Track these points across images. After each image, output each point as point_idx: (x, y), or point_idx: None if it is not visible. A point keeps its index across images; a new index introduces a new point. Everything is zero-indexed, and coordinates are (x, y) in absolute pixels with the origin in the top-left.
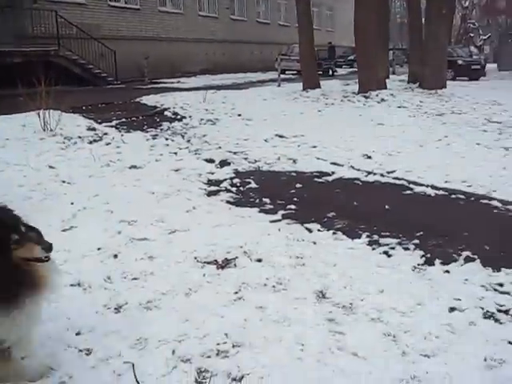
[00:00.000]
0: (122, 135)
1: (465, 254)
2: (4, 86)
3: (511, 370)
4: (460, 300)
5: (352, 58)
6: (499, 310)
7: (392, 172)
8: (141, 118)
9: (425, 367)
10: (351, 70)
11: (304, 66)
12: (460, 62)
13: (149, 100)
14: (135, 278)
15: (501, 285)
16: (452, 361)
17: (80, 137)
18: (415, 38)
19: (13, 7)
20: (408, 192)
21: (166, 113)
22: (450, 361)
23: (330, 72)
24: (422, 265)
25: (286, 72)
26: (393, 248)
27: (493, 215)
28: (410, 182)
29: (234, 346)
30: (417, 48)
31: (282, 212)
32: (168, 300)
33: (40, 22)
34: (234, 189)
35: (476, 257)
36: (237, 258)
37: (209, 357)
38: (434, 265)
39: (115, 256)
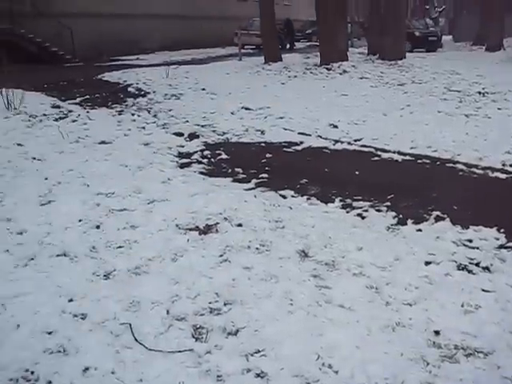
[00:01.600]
0: (88, 112)
1: (435, 213)
2: None
3: (486, 314)
4: (434, 255)
5: (310, 31)
6: (471, 263)
7: (359, 140)
8: (104, 94)
9: (408, 314)
10: (309, 43)
11: (265, 39)
12: (417, 33)
13: (111, 77)
14: (120, 247)
15: (470, 240)
16: (432, 308)
17: (45, 114)
18: (374, 10)
19: None
20: (376, 158)
21: (129, 89)
22: (430, 308)
23: (288, 46)
24: (396, 225)
25: (246, 47)
26: (366, 210)
27: (458, 177)
28: (377, 149)
29: (225, 304)
30: (375, 20)
31: (255, 181)
32: (155, 265)
33: None
34: (205, 160)
35: (446, 216)
36: (218, 223)
37: (202, 315)
38: (406, 224)
39: (97, 227)
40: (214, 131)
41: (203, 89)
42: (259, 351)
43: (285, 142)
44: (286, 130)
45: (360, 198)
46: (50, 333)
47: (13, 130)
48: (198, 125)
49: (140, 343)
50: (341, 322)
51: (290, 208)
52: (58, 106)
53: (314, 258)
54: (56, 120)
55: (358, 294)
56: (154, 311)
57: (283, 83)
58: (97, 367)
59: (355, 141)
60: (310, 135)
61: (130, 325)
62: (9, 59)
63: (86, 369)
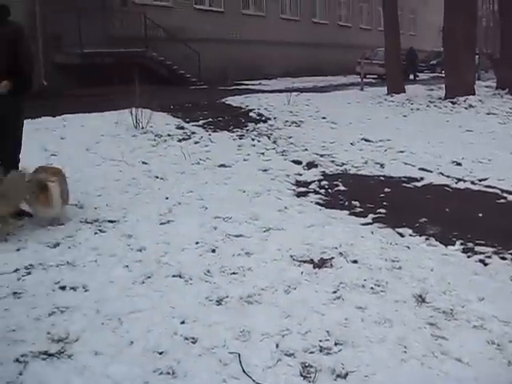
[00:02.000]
0: (210, 134)
1: None
2: (97, 86)
3: None
4: None
5: (434, 62)
6: None
7: (483, 180)
8: (226, 118)
9: None
10: (433, 75)
11: (389, 70)
12: None
13: (234, 101)
14: (234, 273)
15: None
16: None
17: (170, 135)
18: (506, 41)
19: (103, 10)
20: (502, 201)
21: (250, 114)
22: None
23: (412, 77)
24: None
25: (367, 76)
26: (489, 257)
27: None
28: (503, 191)
29: (336, 344)
30: (508, 53)
31: (372, 215)
32: (268, 295)
33: (129, 24)
34: (322, 191)
35: None
36: (333, 258)
37: (312, 352)
38: None
39: (213, 251)
40: (332, 161)
41: (324, 117)
42: None
43: (404, 177)
44: (406, 164)
45: (483, 242)
46: (160, 353)
47: (139, 148)
48: (317, 154)
49: (248, 375)
50: (457, 377)
51: (408, 248)
52: (182, 127)
53: (431, 305)
54: (179, 141)
55: (477, 348)
56: (263, 343)
57: (405, 116)
58: None
59: (480, 180)
60: (431, 171)
61: (239, 355)
62: (140, 80)
63: None
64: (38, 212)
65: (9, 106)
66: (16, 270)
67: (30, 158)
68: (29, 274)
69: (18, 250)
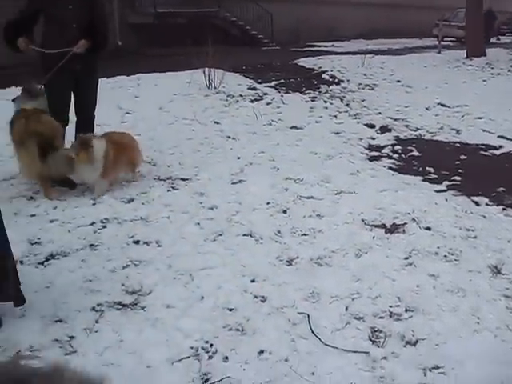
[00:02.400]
0: (282, 96)
1: None
2: (170, 45)
3: None
4: None
5: None
6: None
7: None
8: (299, 79)
9: None
10: None
11: (469, 32)
12: None
13: (306, 62)
14: (304, 234)
15: None
16: None
17: (241, 95)
18: None
19: None
20: None
21: (323, 76)
22: None
23: (491, 39)
24: None
25: (445, 39)
26: None
27: None
28: None
29: (406, 310)
30: None
31: (446, 183)
32: (338, 258)
33: None
34: (395, 155)
35: None
36: (405, 224)
37: (382, 317)
38: None
39: (284, 211)
40: (406, 126)
41: (398, 81)
42: (438, 367)
43: (482, 145)
44: (484, 131)
45: None
46: (230, 309)
47: (211, 107)
48: (391, 118)
49: (316, 336)
50: None
51: (484, 217)
52: (254, 88)
53: (507, 277)
54: (251, 101)
55: None
56: (332, 305)
57: (485, 80)
58: (271, 352)
59: None
60: (511, 140)
61: (308, 316)
62: (212, 40)
63: (261, 351)
64: (78, 172)
65: (85, 65)
66: (92, 223)
67: (105, 116)
68: (104, 227)
69: (94, 204)
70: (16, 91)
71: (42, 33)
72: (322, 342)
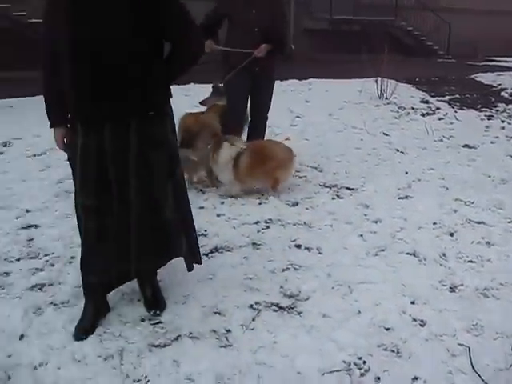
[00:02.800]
0: (455, 112)
1: None
2: (342, 52)
3: None
4: None
5: None
6: None
7: None
8: (475, 95)
9: None
10: None
11: None
12: None
13: (484, 78)
14: (471, 261)
15: None
16: None
17: (413, 108)
18: None
19: None
20: None
21: (502, 93)
22: None
23: None
24: None
25: None
26: None
27: None
28: None
29: None
30: None
31: None
32: (507, 291)
33: None
34: None
35: None
36: None
37: None
38: None
39: (451, 234)
40: None
41: None
42: None
43: None
44: None
45: None
46: (387, 329)
47: (381, 118)
48: None
49: (477, 372)
50: None
51: None
52: (427, 102)
53: None
54: (423, 115)
55: None
56: (497, 342)
57: None
58: (426, 381)
59: None
60: None
61: (469, 349)
62: (387, 49)
63: (415, 378)
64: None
65: (263, 67)
66: (257, 222)
67: (276, 118)
68: (268, 227)
69: (260, 204)
70: (193, 88)
71: (225, 37)
72: (483, 380)
